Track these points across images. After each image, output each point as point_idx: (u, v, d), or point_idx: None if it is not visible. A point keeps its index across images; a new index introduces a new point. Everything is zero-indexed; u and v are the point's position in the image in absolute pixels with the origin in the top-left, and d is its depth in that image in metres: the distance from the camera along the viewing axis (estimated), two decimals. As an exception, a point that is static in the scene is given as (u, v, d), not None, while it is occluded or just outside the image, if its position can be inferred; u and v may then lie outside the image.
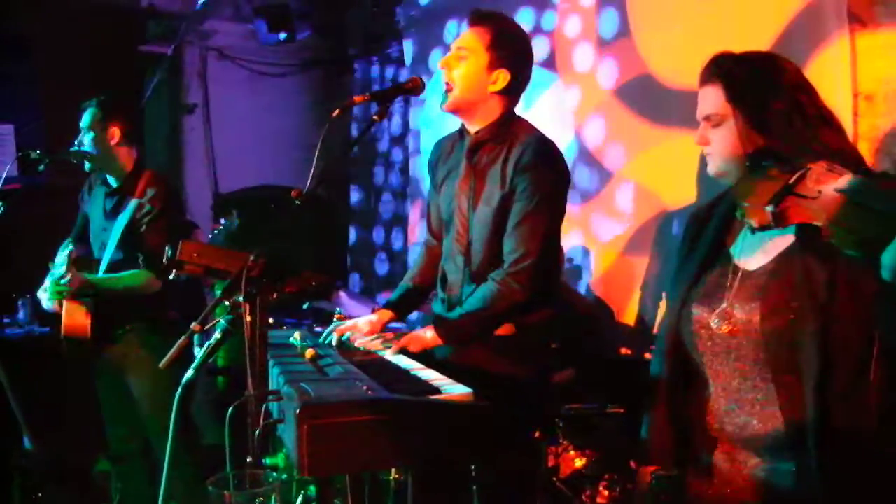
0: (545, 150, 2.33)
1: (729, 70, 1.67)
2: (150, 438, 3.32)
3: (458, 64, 2.35)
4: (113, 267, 3.23)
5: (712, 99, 1.68)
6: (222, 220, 3.38)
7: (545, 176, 2.28)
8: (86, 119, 3.27)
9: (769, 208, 1.41)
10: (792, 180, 1.40)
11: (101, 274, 3.22)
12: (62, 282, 3.04)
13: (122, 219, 3.23)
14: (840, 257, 1.42)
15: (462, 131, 2.48)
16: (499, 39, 2.33)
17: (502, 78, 2.33)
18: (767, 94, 1.62)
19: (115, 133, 3.25)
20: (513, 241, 2.28)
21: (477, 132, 2.40)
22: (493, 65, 2.32)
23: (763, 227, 1.48)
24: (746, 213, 1.49)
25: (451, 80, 2.36)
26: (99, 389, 3.41)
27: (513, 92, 2.38)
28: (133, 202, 3.23)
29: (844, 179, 1.34)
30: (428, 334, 2.28)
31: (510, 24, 2.43)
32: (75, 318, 3.14)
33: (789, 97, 1.62)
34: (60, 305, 3.16)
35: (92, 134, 3.25)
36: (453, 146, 2.52)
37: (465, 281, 2.40)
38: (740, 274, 1.66)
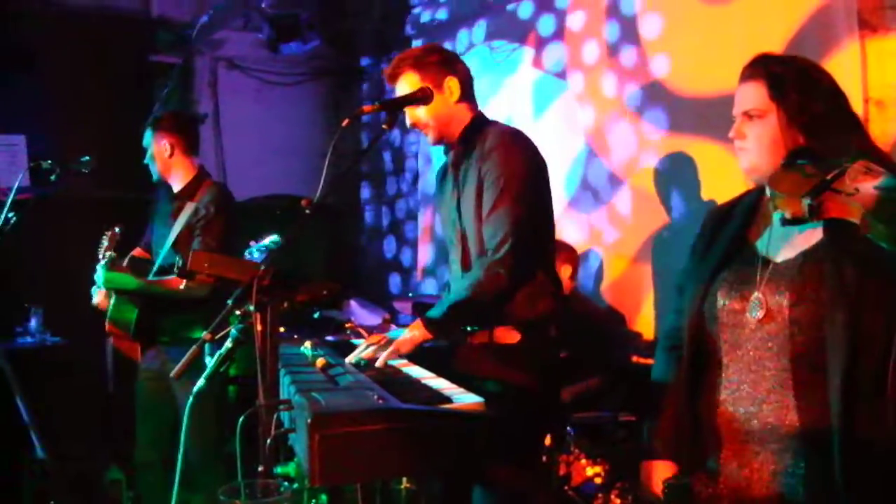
0: (508, 135, 2.38)
1: (773, 68, 1.72)
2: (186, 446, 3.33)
3: (413, 110, 2.39)
4: (164, 269, 3.29)
5: (754, 95, 1.71)
6: (260, 241, 3.41)
7: (508, 158, 2.31)
8: (145, 137, 3.43)
9: (806, 200, 1.42)
10: (831, 175, 1.42)
11: (151, 276, 3.29)
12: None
13: (179, 222, 3.32)
14: (870, 253, 1.43)
15: (446, 150, 2.53)
16: (420, 65, 2.38)
17: (454, 85, 2.39)
18: (810, 95, 1.68)
19: (169, 146, 3.38)
20: (490, 228, 2.29)
21: (454, 143, 2.46)
22: (438, 82, 2.37)
23: (795, 220, 1.49)
24: (780, 203, 1.51)
25: (421, 126, 2.42)
26: (138, 389, 3.43)
27: (467, 89, 2.43)
28: (191, 207, 3.33)
29: (883, 178, 1.37)
30: (416, 332, 2.25)
31: (415, 49, 2.51)
32: (122, 312, 3.24)
33: (830, 100, 1.69)
34: (107, 299, 3.25)
35: (149, 149, 3.41)
36: (447, 169, 2.57)
37: (461, 273, 2.43)
38: (770, 266, 1.66)
